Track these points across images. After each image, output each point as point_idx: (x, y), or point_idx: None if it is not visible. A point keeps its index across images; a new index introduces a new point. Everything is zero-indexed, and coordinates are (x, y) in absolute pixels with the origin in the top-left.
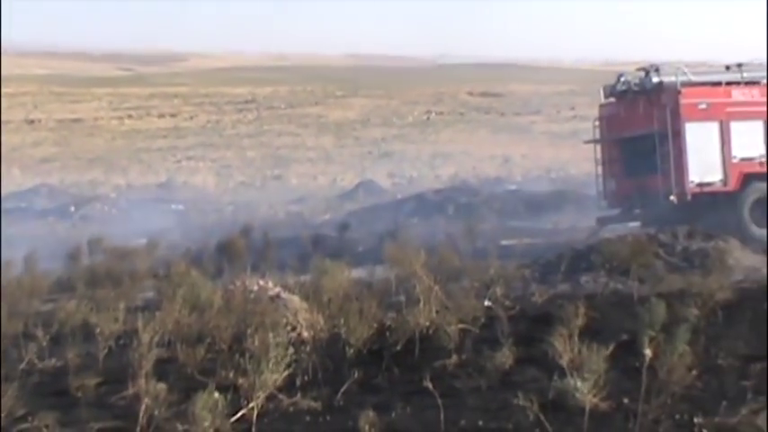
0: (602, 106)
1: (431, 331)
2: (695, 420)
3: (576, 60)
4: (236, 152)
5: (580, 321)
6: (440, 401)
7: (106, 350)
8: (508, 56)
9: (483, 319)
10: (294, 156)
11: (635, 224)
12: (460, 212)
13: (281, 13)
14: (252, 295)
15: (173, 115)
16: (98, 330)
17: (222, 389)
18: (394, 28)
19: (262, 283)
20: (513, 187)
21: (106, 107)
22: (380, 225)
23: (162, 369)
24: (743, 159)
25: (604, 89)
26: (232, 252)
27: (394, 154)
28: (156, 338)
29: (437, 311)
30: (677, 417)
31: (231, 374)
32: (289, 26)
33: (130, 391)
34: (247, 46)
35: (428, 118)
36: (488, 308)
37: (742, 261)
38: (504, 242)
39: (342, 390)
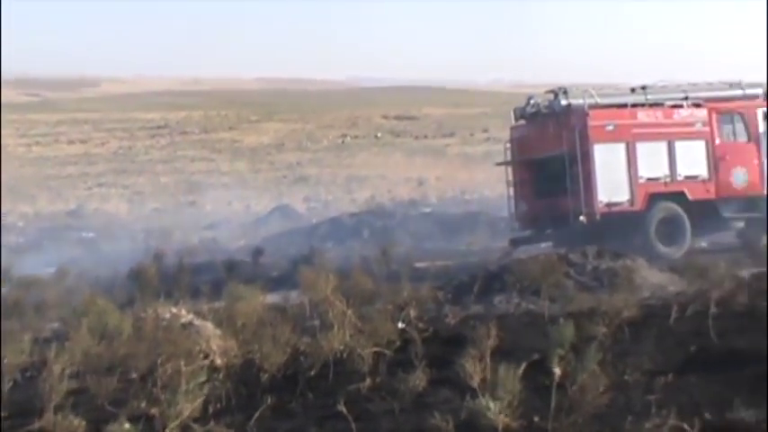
0: (512, 128)
1: (345, 355)
2: None
3: (489, 83)
4: (148, 178)
5: (492, 342)
6: (353, 425)
7: (11, 383)
8: (422, 78)
9: (397, 342)
10: (208, 181)
11: (547, 244)
12: (375, 236)
13: (194, 37)
14: (164, 323)
15: (83, 141)
16: (4, 362)
17: (134, 419)
18: (308, 51)
19: (174, 310)
20: (427, 210)
21: (13, 134)
22: (295, 250)
23: (72, 401)
24: (649, 179)
25: (515, 111)
26: (144, 279)
27: (309, 178)
28: (67, 370)
29: (351, 335)
30: None
31: (143, 404)
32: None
33: (36, 425)
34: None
35: (343, 141)
36: (402, 330)
37: (649, 279)
38: (418, 264)
39: (255, 416)
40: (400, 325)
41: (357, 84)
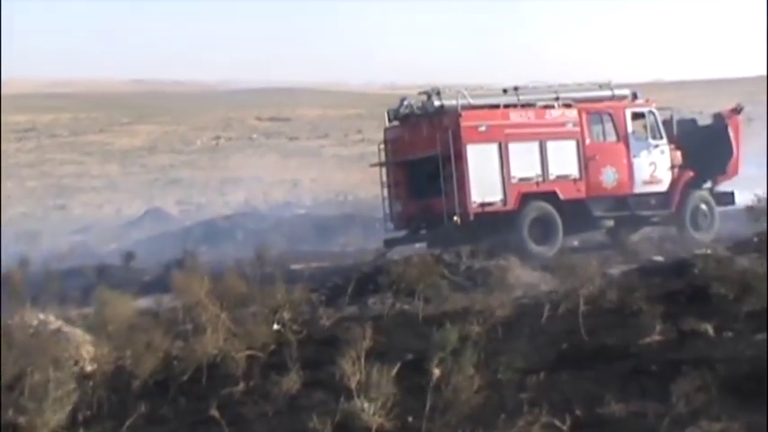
0: (386, 129)
1: (218, 359)
2: None
3: (363, 84)
4: (15, 182)
5: (366, 343)
6: (226, 430)
7: None
8: (296, 80)
9: (272, 345)
10: (78, 185)
11: (421, 245)
12: (249, 238)
13: (62, 37)
14: (31, 330)
15: None
16: None
17: (1, 429)
18: (178, 52)
19: (42, 316)
20: (302, 211)
21: None
22: (168, 253)
23: None
24: (521, 179)
25: (388, 113)
26: (10, 285)
27: (182, 181)
28: None
29: (225, 339)
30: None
31: (11, 414)
32: (70, 51)
33: None
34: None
35: (216, 144)
36: (277, 333)
37: (521, 278)
38: (293, 267)
39: (127, 423)
40: (275, 327)
41: (230, 85)
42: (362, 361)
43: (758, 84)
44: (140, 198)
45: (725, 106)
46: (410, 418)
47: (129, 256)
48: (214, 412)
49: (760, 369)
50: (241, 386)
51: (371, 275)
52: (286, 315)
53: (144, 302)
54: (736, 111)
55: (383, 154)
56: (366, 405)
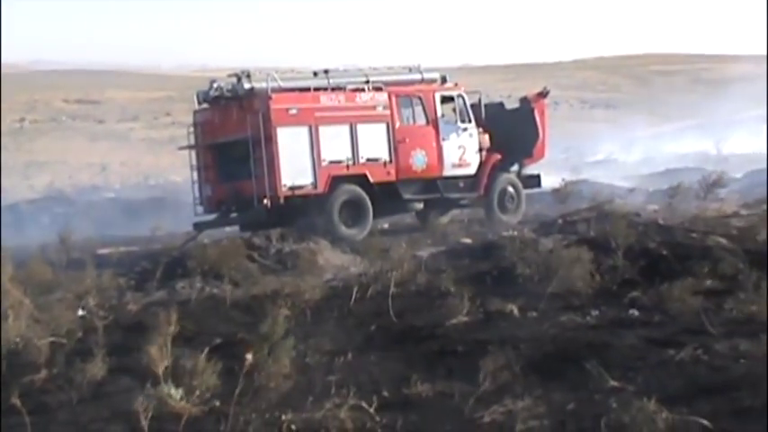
0: (196, 112)
1: (20, 346)
2: (283, 418)
3: (174, 66)
4: None
5: (174, 328)
6: (27, 419)
7: None
8: (105, 62)
9: (78, 332)
10: None
11: (232, 229)
12: (56, 223)
13: None
14: None
15: None
16: None
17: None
18: None
19: None
20: (111, 195)
21: None
22: None
23: None
24: (331, 162)
25: (198, 95)
26: None
27: None
28: None
29: (28, 325)
30: (267, 416)
31: None
32: None
33: None
34: None
35: (21, 126)
36: (82, 318)
37: (332, 261)
38: (100, 251)
39: None
40: (80, 313)
41: (36, 67)
42: (169, 346)
43: (564, 68)
44: None
45: (531, 90)
46: (218, 403)
47: None
48: (15, 401)
49: (561, 348)
50: (44, 373)
51: (180, 259)
52: (92, 301)
53: None
54: (542, 95)
55: (193, 137)
56: (173, 391)
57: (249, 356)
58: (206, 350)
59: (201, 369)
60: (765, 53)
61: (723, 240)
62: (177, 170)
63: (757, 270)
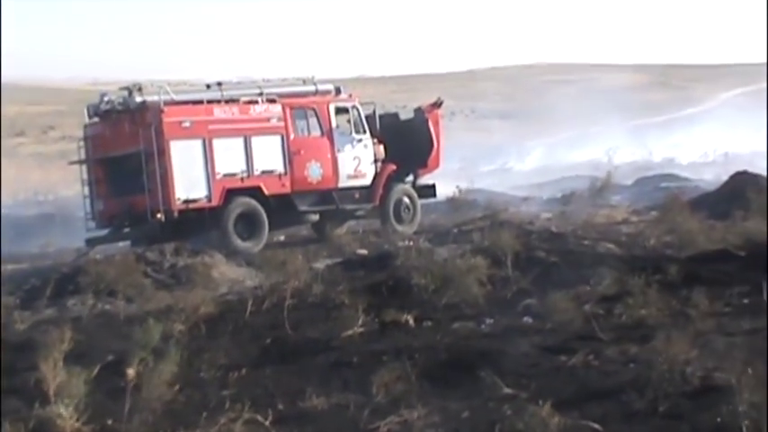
0: (86, 126)
1: None
2: None
3: (64, 79)
4: None
5: (66, 346)
6: None
7: None
8: None
9: None
10: None
11: (125, 244)
12: None
13: None
14: None
15: None
16: None
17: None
18: None
19: None
20: None
21: None
22: None
23: None
24: (226, 175)
25: (88, 109)
26: None
27: None
28: None
29: None
30: None
31: None
32: None
33: None
34: None
35: None
36: None
37: (227, 274)
38: None
39: None
40: None
41: None
42: (60, 364)
43: (458, 79)
44: None
45: (427, 101)
46: (109, 421)
47: None
48: None
49: (456, 356)
50: None
51: (72, 276)
52: None
53: None
54: (437, 105)
55: (83, 151)
56: (63, 410)
57: (131, 371)
58: (98, 368)
59: (93, 387)
60: (644, 63)
61: (613, 247)
62: (68, 185)
63: (645, 275)
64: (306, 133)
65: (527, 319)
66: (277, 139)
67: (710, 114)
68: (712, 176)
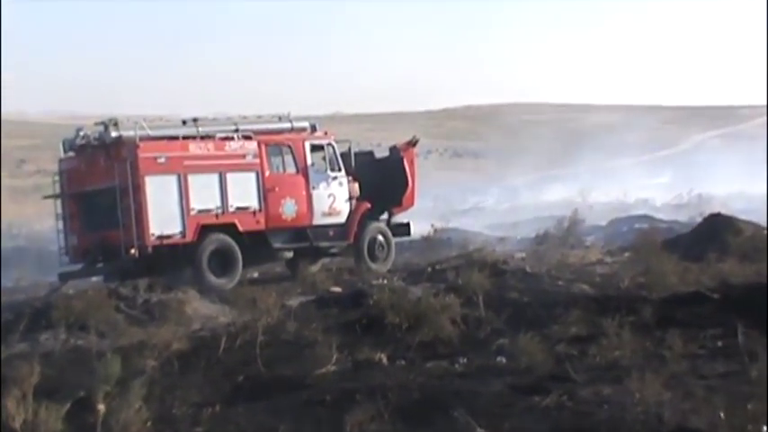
0: (61, 160)
1: None
2: None
3: (41, 113)
4: None
5: (35, 380)
6: None
7: None
8: None
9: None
10: None
11: (98, 279)
12: None
13: None
14: None
15: None
16: None
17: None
18: None
19: None
20: None
21: None
22: None
23: None
24: (200, 211)
25: (64, 143)
26: None
27: None
28: None
29: None
30: None
31: None
32: None
33: None
34: None
35: None
36: None
37: (200, 310)
38: None
39: None
40: None
41: None
42: (30, 399)
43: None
44: None
45: (402, 139)
46: None
47: None
48: None
49: (430, 396)
50: None
51: (44, 310)
52: None
53: None
54: (412, 144)
55: (58, 185)
56: None
57: (101, 407)
58: (68, 404)
59: (62, 423)
60: (617, 104)
61: (587, 287)
62: (42, 219)
63: (619, 316)
64: (281, 170)
65: (500, 359)
66: (252, 175)
67: (684, 156)
68: (686, 218)
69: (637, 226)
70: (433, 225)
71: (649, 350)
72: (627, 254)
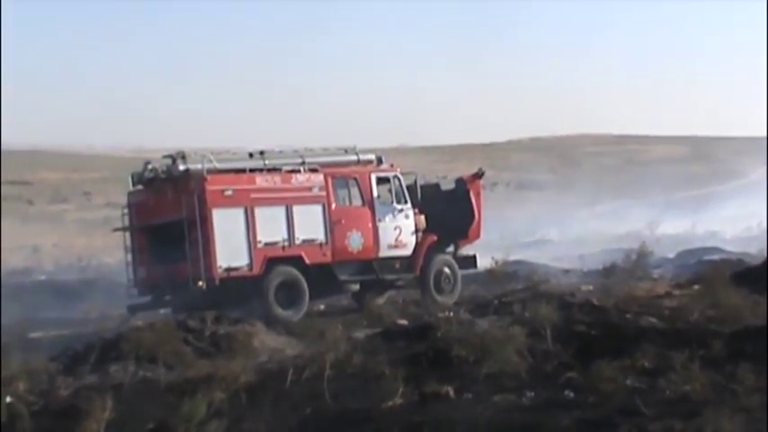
0: (130, 194)
1: None
2: None
3: (109, 147)
4: None
5: (107, 413)
6: None
7: None
8: (36, 142)
9: (4, 418)
10: None
11: (166, 311)
12: None
13: None
14: None
15: None
16: None
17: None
18: None
19: None
20: (42, 277)
21: None
22: None
23: None
24: (267, 244)
25: (132, 176)
26: None
27: None
28: None
29: None
30: None
31: None
32: None
33: None
34: None
35: None
36: (10, 405)
37: (267, 343)
38: (32, 335)
39: None
40: (7, 400)
41: None
42: (102, 431)
43: (499, 149)
44: None
45: (467, 171)
46: None
47: None
48: None
49: (497, 429)
50: None
51: (114, 342)
52: (21, 386)
53: None
54: (478, 175)
55: (127, 218)
56: None
57: None
58: None
59: None
60: (685, 135)
61: (655, 320)
62: (111, 252)
63: (689, 350)
64: (347, 203)
65: (568, 393)
66: (318, 208)
67: (753, 187)
68: (756, 250)
69: (705, 258)
70: (493, 258)
71: (720, 384)
72: (696, 287)
